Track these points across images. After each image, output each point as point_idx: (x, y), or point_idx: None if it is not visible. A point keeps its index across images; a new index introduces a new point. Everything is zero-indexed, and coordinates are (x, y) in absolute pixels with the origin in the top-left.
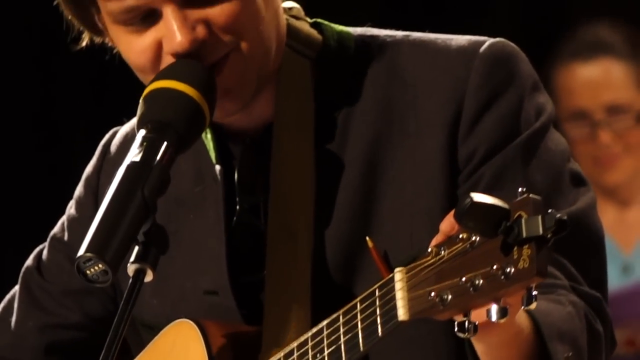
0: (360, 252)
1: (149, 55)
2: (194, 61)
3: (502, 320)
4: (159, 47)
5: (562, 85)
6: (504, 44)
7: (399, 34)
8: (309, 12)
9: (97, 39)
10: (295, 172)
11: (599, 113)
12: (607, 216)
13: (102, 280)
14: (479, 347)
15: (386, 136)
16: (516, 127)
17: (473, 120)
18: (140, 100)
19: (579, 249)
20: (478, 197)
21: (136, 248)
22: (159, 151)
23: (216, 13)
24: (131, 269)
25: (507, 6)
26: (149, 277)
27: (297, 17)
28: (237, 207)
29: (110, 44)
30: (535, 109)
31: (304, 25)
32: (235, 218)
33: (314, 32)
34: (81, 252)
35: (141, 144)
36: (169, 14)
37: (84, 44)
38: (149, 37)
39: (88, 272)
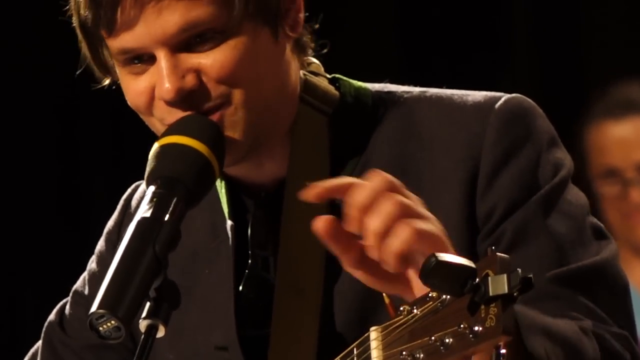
0: (374, 308)
1: (143, 99)
2: (203, 116)
3: None
4: (152, 91)
5: (593, 144)
6: (520, 100)
7: (416, 90)
8: (334, 69)
9: (108, 79)
10: (307, 227)
11: (630, 171)
12: (637, 273)
13: (115, 337)
14: None
15: None
16: (535, 182)
17: (490, 176)
18: (149, 156)
19: (604, 297)
20: (443, 256)
21: (148, 304)
22: (169, 207)
23: (208, 63)
24: (143, 324)
25: (531, 63)
26: (161, 332)
27: (315, 73)
28: (249, 261)
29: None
30: (554, 164)
31: (322, 81)
32: (247, 272)
33: (331, 88)
34: (93, 308)
35: (151, 200)
36: (162, 58)
37: (106, 82)
38: (144, 81)
39: (101, 328)
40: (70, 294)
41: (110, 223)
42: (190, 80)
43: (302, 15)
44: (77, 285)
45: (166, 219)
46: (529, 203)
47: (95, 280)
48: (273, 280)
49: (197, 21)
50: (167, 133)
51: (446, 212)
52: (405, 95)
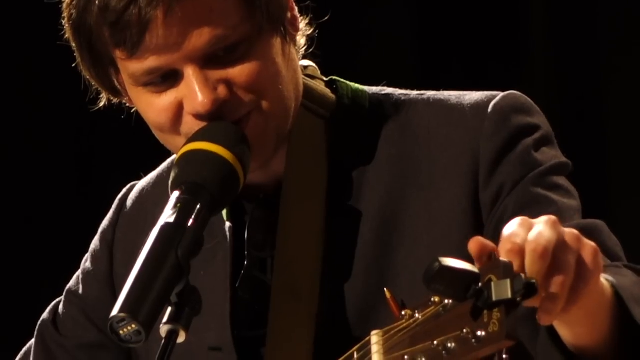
0: (374, 305)
1: (169, 115)
2: (229, 123)
3: None
4: (179, 107)
5: None
6: (517, 95)
7: (413, 92)
8: (350, 75)
9: (114, 99)
10: (304, 229)
11: None
12: None
13: (136, 341)
14: (565, 329)
15: (400, 191)
16: (535, 161)
17: (491, 165)
18: (175, 161)
19: (612, 242)
20: (446, 261)
21: (169, 309)
22: (192, 213)
23: (237, 73)
24: (164, 329)
25: (548, 73)
26: (181, 337)
27: (312, 76)
28: (245, 262)
29: (128, 104)
30: (553, 152)
31: (319, 85)
32: (242, 273)
33: (328, 92)
34: (114, 312)
35: (175, 205)
36: (190, 74)
37: (102, 104)
38: (169, 97)
39: (121, 332)
40: (64, 293)
41: (105, 222)
42: (222, 91)
43: (296, 12)
44: (71, 284)
45: (189, 224)
46: (529, 177)
47: (89, 279)
48: (270, 281)
49: (224, 34)
50: (192, 139)
51: (446, 206)
52: (403, 98)
